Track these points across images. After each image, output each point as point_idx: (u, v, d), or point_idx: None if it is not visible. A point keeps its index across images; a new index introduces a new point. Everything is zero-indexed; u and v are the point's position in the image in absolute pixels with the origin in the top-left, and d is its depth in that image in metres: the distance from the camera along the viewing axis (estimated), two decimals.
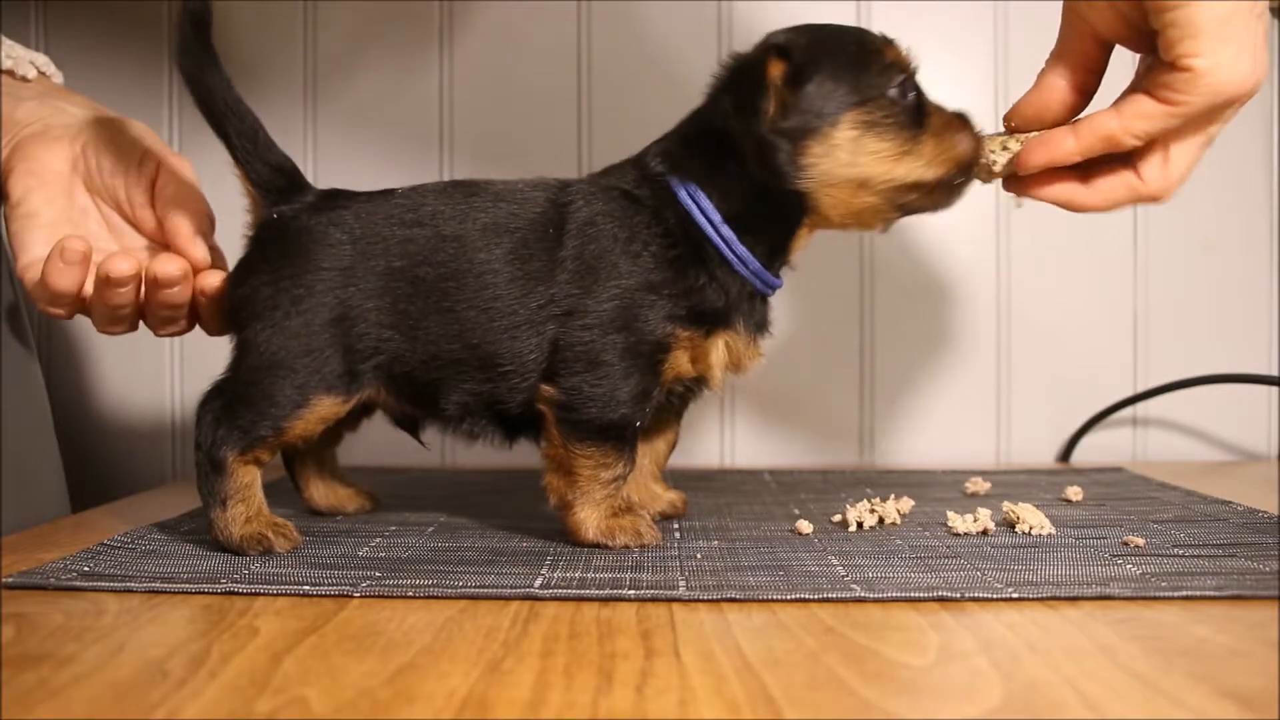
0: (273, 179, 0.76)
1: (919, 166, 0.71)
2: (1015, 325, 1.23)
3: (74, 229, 0.83)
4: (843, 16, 0.77)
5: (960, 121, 0.73)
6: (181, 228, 0.80)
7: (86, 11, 1.21)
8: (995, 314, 1.23)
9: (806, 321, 1.22)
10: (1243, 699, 0.43)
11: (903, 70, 0.72)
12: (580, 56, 1.21)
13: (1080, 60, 0.74)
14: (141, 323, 0.81)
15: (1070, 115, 0.75)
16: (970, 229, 1.23)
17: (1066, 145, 0.71)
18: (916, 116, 0.71)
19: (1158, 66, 0.69)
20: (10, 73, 0.88)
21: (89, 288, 0.77)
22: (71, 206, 0.83)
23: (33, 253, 0.81)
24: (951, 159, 0.72)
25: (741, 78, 0.71)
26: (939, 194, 0.73)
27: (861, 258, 1.22)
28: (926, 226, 1.22)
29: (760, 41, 0.74)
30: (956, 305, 1.23)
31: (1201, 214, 1.22)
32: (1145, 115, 0.69)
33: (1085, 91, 0.75)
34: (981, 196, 1.21)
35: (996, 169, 0.74)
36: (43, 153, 0.83)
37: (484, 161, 1.21)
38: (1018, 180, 0.76)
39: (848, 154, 0.70)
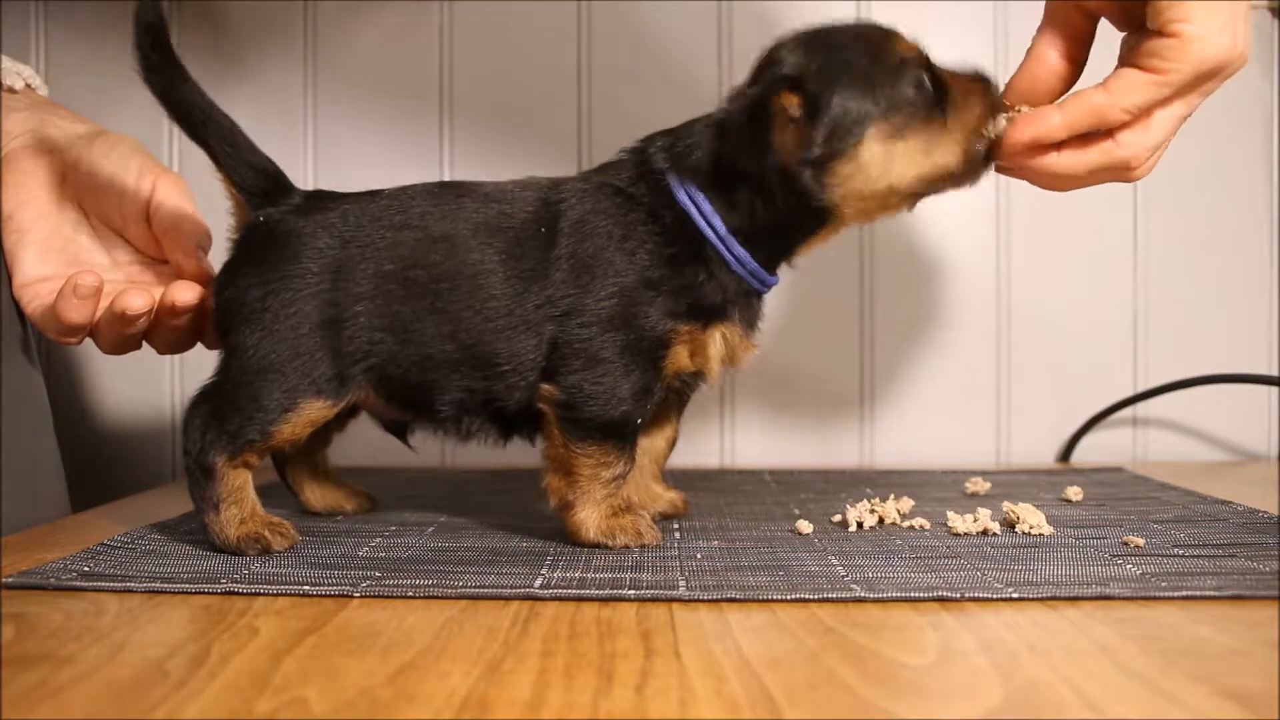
0: (256, 182, 0.76)
1: (948, 151, 0.70)
2: (1015, 325, 1.23)
3: (65, 244, 0.83)
4: (842, 17, 0.76)
5: (976, 83, 0.72)
6: (184, 246, 0.80)
7: (87, 13, 1.21)
8: (995, 314, 1.23)
9: (807, 323, 1.22)
10: (1243, 699, 0.43)
11: (916, 64, 0.71)
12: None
13: (1068, 30, 0.74)
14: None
15: (1064, 86, 0.75)
16: (971, 229, 1.22)
17: (1052, 121, 0.71)
18: (937, 100, 0.70)
19: (1145, 38, 0.69)
20: None
21: (98, 312, 0.77)
22: (63, 221, 0.83)
23: (27, 272, 0.81)
24: (976, 130, 0.71)
25: (756, 117, 0.69)
26: (968, 171, 0.72)
27: (862, 258, 1.22)
28: (928, 228, 1.22)
29: (765, 60, 0.73)
30: (957, 305, 1.23)
31: (1201, 213, 1.22)
32: (1133, 87, 0.69)
33: (1076, 61, 0.75)
34: (982, 195, 1.21)
35: None
36: (33, 165, 0.83)
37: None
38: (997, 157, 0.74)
39: (878, 167, 0.69)
